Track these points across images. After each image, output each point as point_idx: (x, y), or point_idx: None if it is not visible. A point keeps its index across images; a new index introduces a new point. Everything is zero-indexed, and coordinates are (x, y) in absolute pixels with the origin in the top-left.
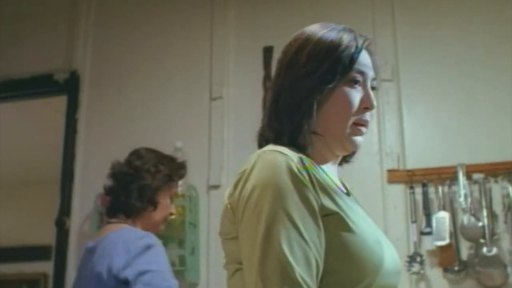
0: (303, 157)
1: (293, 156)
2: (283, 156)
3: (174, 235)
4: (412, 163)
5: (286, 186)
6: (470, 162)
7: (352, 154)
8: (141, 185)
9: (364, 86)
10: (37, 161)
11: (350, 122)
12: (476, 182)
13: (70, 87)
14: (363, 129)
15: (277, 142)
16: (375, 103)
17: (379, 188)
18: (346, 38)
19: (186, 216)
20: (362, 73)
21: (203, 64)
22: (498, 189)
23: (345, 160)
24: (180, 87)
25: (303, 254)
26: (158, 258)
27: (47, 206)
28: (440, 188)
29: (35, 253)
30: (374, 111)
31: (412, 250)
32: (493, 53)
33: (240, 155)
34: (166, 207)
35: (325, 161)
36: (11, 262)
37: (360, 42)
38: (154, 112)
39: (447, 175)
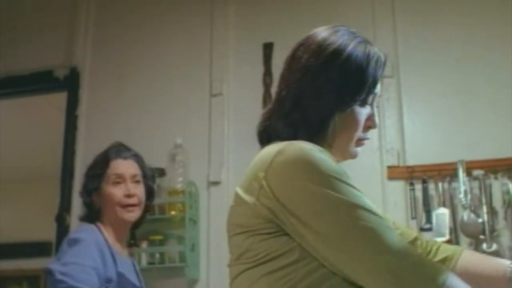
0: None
1: (313, 147)
2: (309, 145)
3: (174, 232)
4: (412, 160)
5: (332, 168)
6: (470, 159)
7: None
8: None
9: (371, 105)
10: (37, 158)
11: (356, 139)
12: (476, 178)
13: (70, 83)
14: (363, 142)
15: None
16: (378, 122)
17: (379, 185)
18: (372, 56)
19: (186, 212)
20: (374, 94)
21: (203, 60)
22: (498, 185)
23: None
24: (180, 83)
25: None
26: (84, 252)
27: (47, 202)
28: (440, 185)
29: (35, 249)
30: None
31: None
32: (492, 50)
33: (240, 151)
34: (111, 194)
35: None
36: (11, 259)
37: (382, 62)
38: (154, 109)
39: (447, 172)
